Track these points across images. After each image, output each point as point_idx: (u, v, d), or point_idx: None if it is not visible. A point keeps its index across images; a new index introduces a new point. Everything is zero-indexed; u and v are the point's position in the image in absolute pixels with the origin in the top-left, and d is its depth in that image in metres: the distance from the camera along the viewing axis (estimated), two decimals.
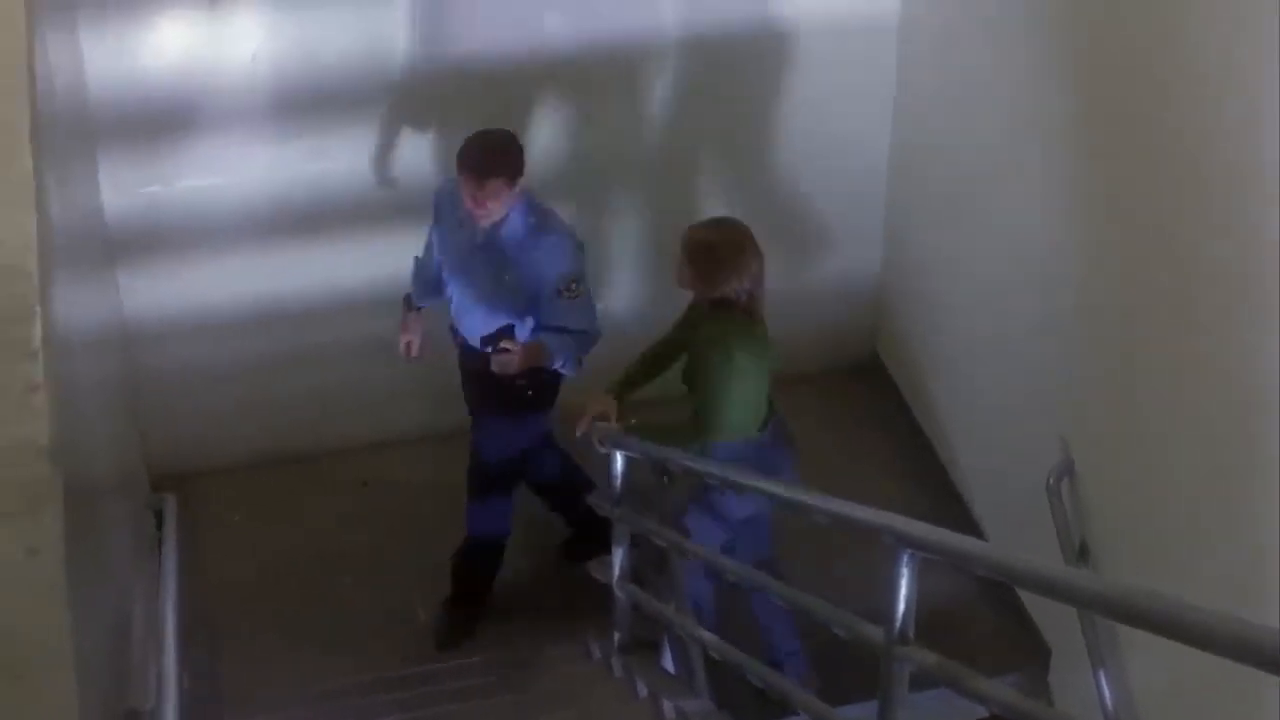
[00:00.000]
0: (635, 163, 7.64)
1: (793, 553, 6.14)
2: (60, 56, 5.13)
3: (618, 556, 6.01)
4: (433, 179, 6.96)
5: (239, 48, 6.85)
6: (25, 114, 3.07)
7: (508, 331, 6.01)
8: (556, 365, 5.97)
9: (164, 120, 6.96)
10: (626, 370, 5.98)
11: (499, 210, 5.77)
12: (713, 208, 7.53)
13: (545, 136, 7.38)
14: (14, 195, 2.91)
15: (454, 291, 6.19)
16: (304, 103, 7.07)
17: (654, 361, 6.04)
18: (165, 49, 6.78)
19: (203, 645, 6.42)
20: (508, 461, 6.49)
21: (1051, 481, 6.00)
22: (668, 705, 5.59)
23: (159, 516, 5.55)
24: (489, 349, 5.92)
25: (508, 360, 5.82)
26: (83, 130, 6.30)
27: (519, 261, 5.89)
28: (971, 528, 7.19)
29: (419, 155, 7.28)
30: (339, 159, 7.21)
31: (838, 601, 4.32)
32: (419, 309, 6.45)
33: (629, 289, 7.93)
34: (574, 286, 5.93)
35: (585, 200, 7.54)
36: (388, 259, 7.00)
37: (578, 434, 5.84)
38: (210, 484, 7.54)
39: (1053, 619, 6.45)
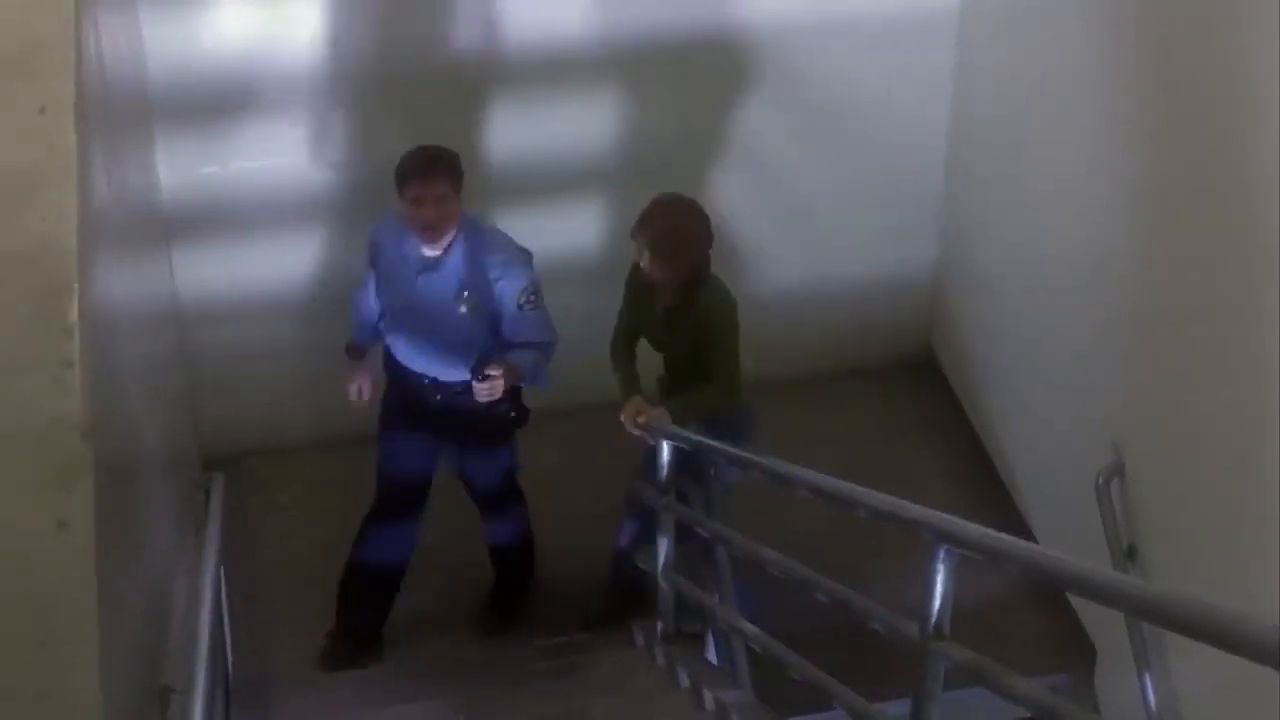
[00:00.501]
0: (689, 155, 7.61)
1: (830, 549, 6.06)
2: (116, 36, 5.17)
3: (663, 546, 5.99)
4: (487, 161, 7.09)
5: (298, 30, 6.90)
6: (70, 93, 3.09)
7: (478, 361, 5.77)
8: (531, 382, 5.92)
9: (222, 101, 7.01)
10: (622, 374, 6.04)
11: (450, 223, 5.65)
12: (767, 200, 7.57)
13: (602, 127, 7.41)
14: (57, 173, 2.94)
15: (403, 332, 5.99)
16: (361, 85, 7.11)
17: (632, 360, 6.12)
18: (225, 30, 6.83)
19: (251, 625, 6.46)
20: (512, 475, 6.49)
21: (1101, 482, 5.95)
22: (708, 696, 5.59)
23: (209, 496, 5.58)
24: (474, 378, 5.64)
25: (494, 386, 5.63)
26: (140, 110, 6.35)
27: (475, 283, 5.75)
28: (1020, 526, 7.16)
29: (470, 139, 7.29)
30: (395, 142, 7.21)
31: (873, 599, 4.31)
32: (363, 352, 6.23)
33: None
34: (534, 298, 5.83)
35: (636, 190, 7.51)
36: None
37: (634, 429, 5.79)
38: (262, 465, 7.59)
39: (1099, 621, 6.41)
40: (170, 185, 6.95)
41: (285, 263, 7.26)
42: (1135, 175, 5.85)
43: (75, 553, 2.36)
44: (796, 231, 7.88)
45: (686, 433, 5.72)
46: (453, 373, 5.86)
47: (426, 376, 5.97)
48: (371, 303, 6.05)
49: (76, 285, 2.70)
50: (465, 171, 5.71)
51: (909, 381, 8.27)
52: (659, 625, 6.20)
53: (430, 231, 5.60)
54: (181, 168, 7.01)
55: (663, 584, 6.05)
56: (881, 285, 8.07)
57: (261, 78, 6.97)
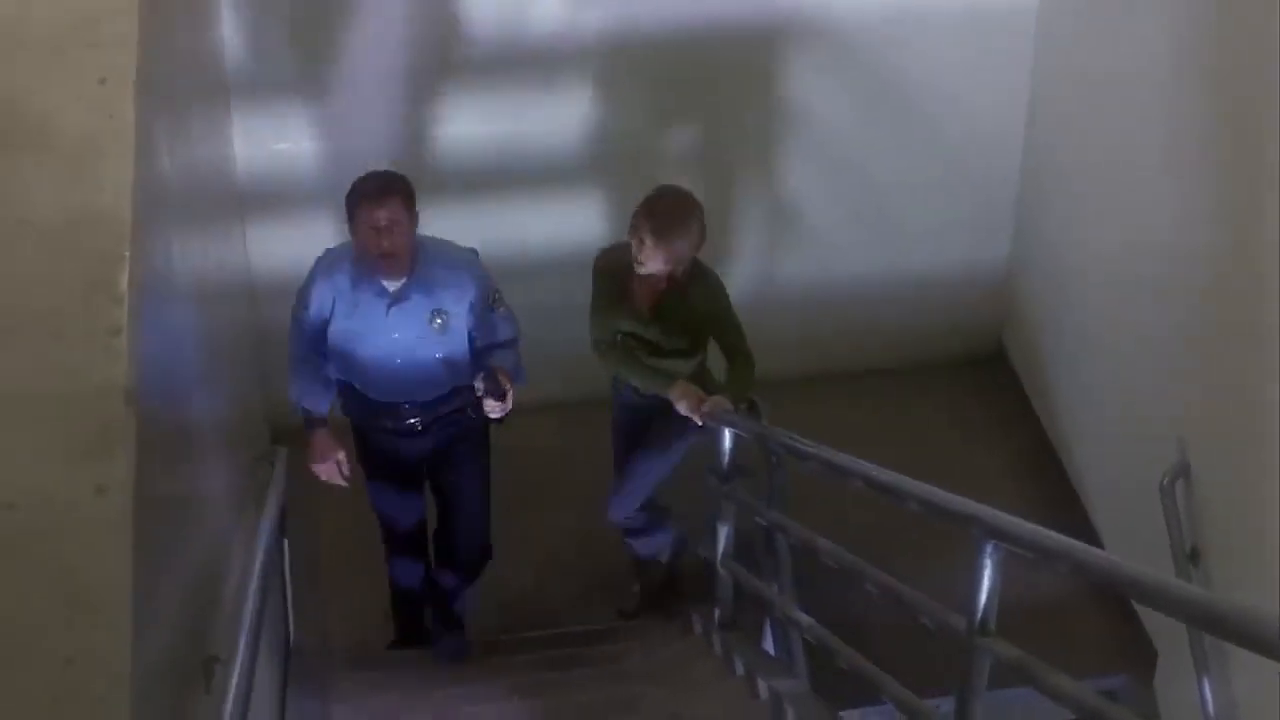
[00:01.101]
0: (761, 142, 7.62)
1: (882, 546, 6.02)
2: (189, 11, 5.22)
3: (723, 534, 5.99)
4: (596, 141, 7.32)
5: (373, 9, 6.95)
6: (131, 64, 3.12)
7: (468, 382, 5.67)
8: (516, 380, 5.70)
9: (299, 78, 7.07)
10: (643, 369, 5.88)
11: (409, 249, 5.38)
12: (838, 189, 7.55)
13: (682, 110, 7.44)
14: (115, 143, 2.97)
15: (374, 370, 5.68)
16: (435, 66, 7.15)
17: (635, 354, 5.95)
18: (301, 11, 6.90)
19: (314, 598, 6.52)
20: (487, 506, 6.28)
21: (1165, 482, 5.89)
22: (762, 684, 5.59)
23: (274, 469, 5.63)
24: (485, 393, 5.46)
25: (507, 400, 5.49)
26: (214, 85, 6.40)
27: (444, 298, 5.54)
28: (1086, 526, 7.12)
29: (537, 124, 7.35)
30: (467, 122, 7.28)
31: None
32: (325, 420, 5.84)
33: (754, 255, 7.94)
34: (499, 295, 5.71)
35: (711, 173, 7.55)
36: (514, 223, 7.11)
37: (700, 416, 5.69)
38: None
39: (1161, 624, 6.35)
40: (245, 159, 7.01)
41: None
42: (1209, 173, 5.79)
43: (112, 517, 2.38)
44: (867, 222, 7.85)
45: (737, 417, 5.74)
46: (431, 390, 5.75)
47: (405, 403, 5.78)
48: (316, 359, 5.72)
49: (128, 254, 2.73)
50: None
51: (978, 377, 8.21)
52: (716, 613, 6.20)
53: (391, 260, 5.35)
54: (257, 142, 7.07)
55: (721, 572, 6.06)
56: (953, 279, 8.03)
57: (336, 58, 7.02)
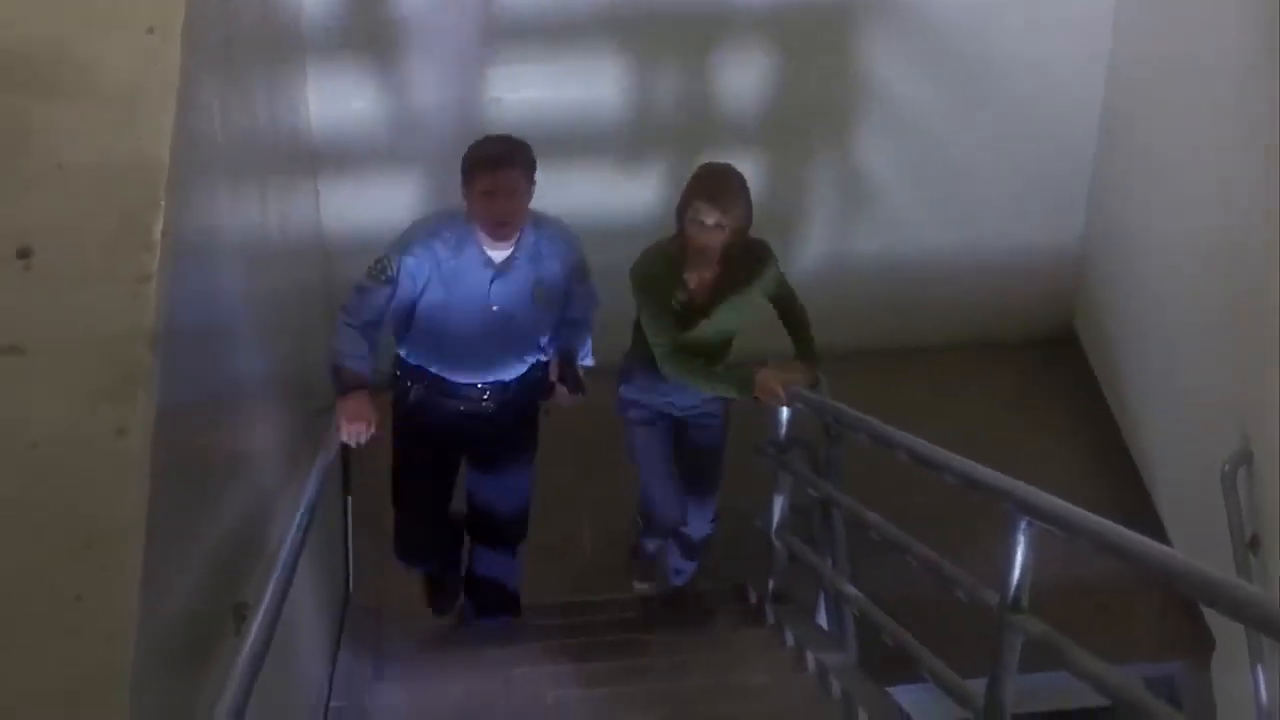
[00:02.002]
0: (835, 112, 7.62)
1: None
2: None
3: (777, 505, 6.00)
4: (667, 108, 7.38)
5: None
6: (180, 14, 3.13)
7: (533, 365, 5.59)
8: (585, 360, 5.73)
9: (374, 38, 7.12)
10: (710, 371, 5.57)
11: (522, 218, 5.20)
12: (911, 163, 7.52)
13: (752, 83, 7.41)
14: (158, 92, 2.99)
15: (465, 350, 5.44)
16: (509, 29, 7.17)
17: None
18: None
19: (374, 556, 6.56)
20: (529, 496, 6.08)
21: (1227, 469, 5.85)
22: (810, 657, 5.59)
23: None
24: (560, 380, 5.45)
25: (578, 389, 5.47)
26: (286, 42, 6.44)
27: (546, 269, 5.38)
28: (1149, 510, 7.08)
29: (636, 87, 7.39)
30: (539, 87, 7.30)
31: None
32: (365, 384, 5.27)
33: (825, 228, 7.95)
34: (586, 267, 5.59)
35: (783, 144, 7.54)
36: (582, 188, 7.13)
37: (784, 398, 5.54)
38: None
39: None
40: (320, 118, 7.06)
41: (428, 201, 7.33)
42: None
43: (130, 459, 2.41)
44: (940, 198, 7.84)
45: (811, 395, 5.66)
46: (513, 369, 5.56)
47: (481, 384, 5.55)
48: (374, 333, 5.33)
49: (164, 203, 2.75)
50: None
51: (1048, 357, 8.17)
52: (770, 584, 6.21)
53: (504, 227, 5.16)
54: (332, 101, 7.12)
55: (775, 543, 6.06)
56: (1025, 257, 8.00)
57: (410, 19, 7.07)
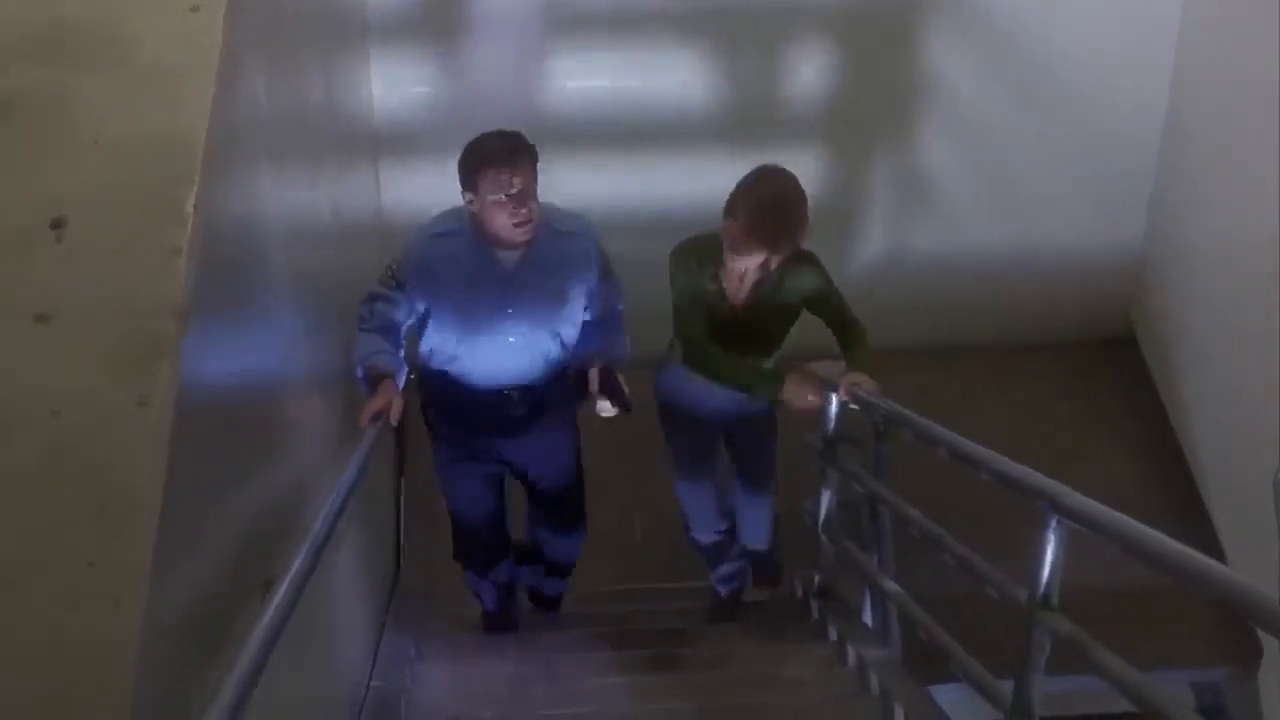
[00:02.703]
0: (896, 108, 7.60)
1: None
2: None
3: (825, 500, 5.98)
4: (725, 100, 7.35)
5: None
6: None
7: (561, 364, 5.24)
8: (623, 355, 5.30)
9: (438, 22, 7.16)
10: (753, 369, 5.35)
11: (537, 211, 4.75)
12: (972, 159, 7.49)
13: (813, 77, 7.41)
14: (199, 69, 3.03)
15: (485, 356, 5.10)
16: (570, 18, 7.20)
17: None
18: None
19: (425, 540, 6.60)
20: (581, 472, 5.81)
21: (1278, 477, 5.78)
22: (851, 651, 5.59)
23: None
24: (600, 391, 5.01)
25: (623, 399, 5.03)
26: (348, 25, 6.50)
27: (561, 264, 5.00)
28: (1202, 515, 7.03)
29: (693, 78, 7.40)
30: (597, 76, 7.33)
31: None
32: (392, 374, 4.90)
33: (883, 222, 7.95)
34: (608, 263, 5.22)
35: (842, 137, 7.54)
36: (636, 178, 7.14)
37: (845, 396, 5.28)
38: None
39: None
40: (383, 101, 7.12)
41: None
42: None
43: (150, 429, 2.43)
44: (1000, 196, 7.82)
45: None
46: (542, 371, 5.22)
47: (510, 388, 5.22)
48: (394, 335, 5.02)
49: (198, 178, 2.79)
50: None
51: (1105, 359, 8.12)
52: (816, 579, 6.21)
53: (524, 229, 4.73)
54: (395, 85, 7.18)
55: (822, 538, 6.05)
56: (1084, 257, 7.96)
57: (477, 2, 7.11)
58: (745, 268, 5.05)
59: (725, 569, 6.22)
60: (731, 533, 6.06)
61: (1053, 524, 3.57)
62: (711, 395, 5.48)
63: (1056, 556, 3.61)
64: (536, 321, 5.05)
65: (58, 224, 2.69)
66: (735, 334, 5.27)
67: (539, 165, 4.72)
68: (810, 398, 5.31)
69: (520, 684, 5.57)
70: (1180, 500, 7.15)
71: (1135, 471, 7.33)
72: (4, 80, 2.95)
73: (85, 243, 2.67)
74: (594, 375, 5.03)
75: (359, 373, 4.87)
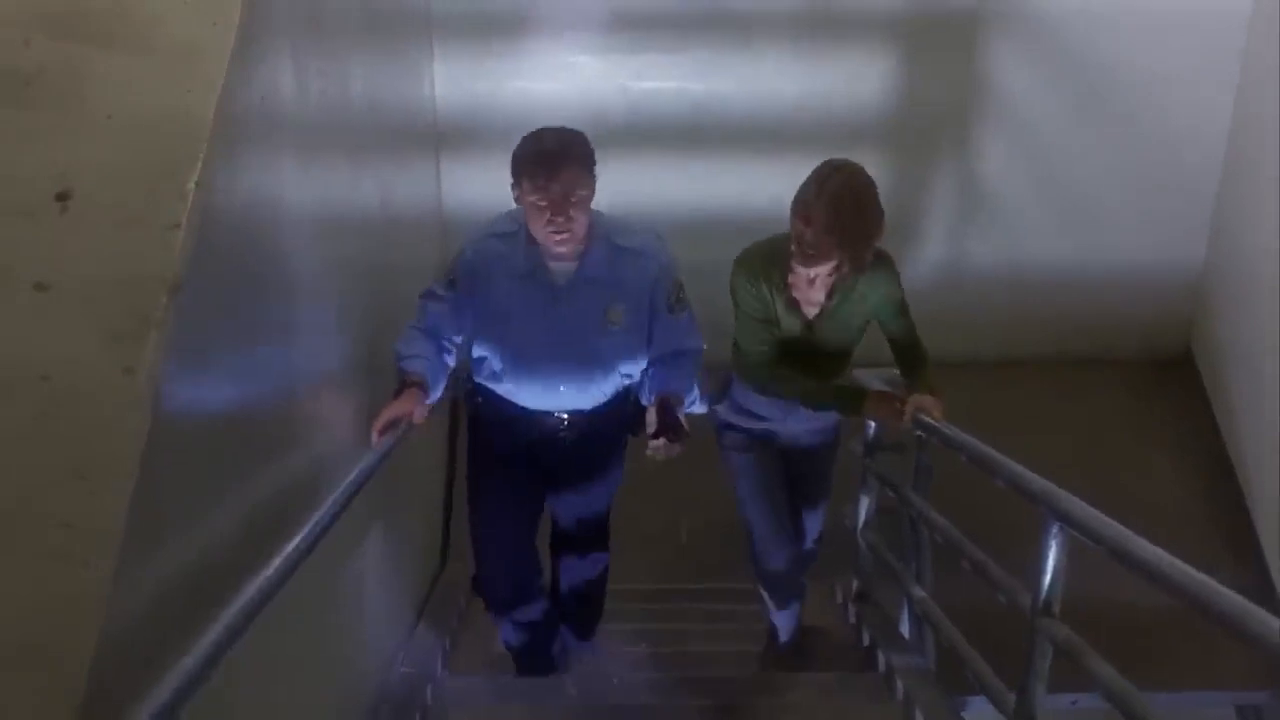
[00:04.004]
0: (960, 118, 7.59)
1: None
2: None
3: (863, 505, 5.99)
4: (789, 105, 7.35)
5: None
6: None
7: (617, 395, 4.87)
8: (694, 405, 4.76)
9: (502, 21, 7.22)
10: (821, 388, 4.95)
11: (584, 221, 4.37)
12: (1034, 172, 7.47)
13: (876, 84, 7.42)
14: (214, 48, 3.08)
15: (530, 372, 4.73)
16: (634, 19, 7.24)
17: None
18: None
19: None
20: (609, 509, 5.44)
21: None
22: (881, 657, 5.59)
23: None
24: (657, 430, 4.38)
25: (676, 440, 4.38)
26: (408, 18, 6.56)
27: (619, 285, 4.56)
28: (1251, 542, 6.96)
29: (757, 83, 7.43)
30: (665, 77, 7.37)
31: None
32: (422, 386, 4.50)
33: (942, 234, 7.95)
34: (681, 294, 4.70)
35: (903, 147, 7.54)
36: (700, 180, 7.15)
37: (906, 421, 4.85)
38: None
39: None
40: (445, 98, 7.18)
41: None
42: None
43: (135, 397, 2.49)
44: (1061, 211, 7.80)
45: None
46: (592, 399, 4.84)
47: (557, 413, 4.87)
48: (442, 330, 4.66)
49: (203, 156, 2.84)
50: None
51: (1162, 378, 8.07)
52: (854, 584, 6.21)
53: (566, 241, 4.38)
54: (457, 82, 7.25)
55: (860, 543, 6.05)
56: (1143, 274, 7.92)
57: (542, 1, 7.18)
58: (817, 274, 4.61)
59: (787, 615, 5.77)
60: (799, 562, 5.61)
61: (1054, 530, 3.58)
62: (779, 415, 5.17)
63: (1059, 563, 3.62)
64: (587, 342, 4.63)
65: (63, 196, 2.76)
66: (805, 349, 4.92)
67: (595, 170, 4.35)
68: (898, 415, 4.85)
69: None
70: (1230, 522, 7.08)
71: (1187, 491, 7.27)
72: (24, 55, 3.01)
73: (88, 215, 2.73)
74: (651, 414, 4.46)
75: (398, 364, 4.54)
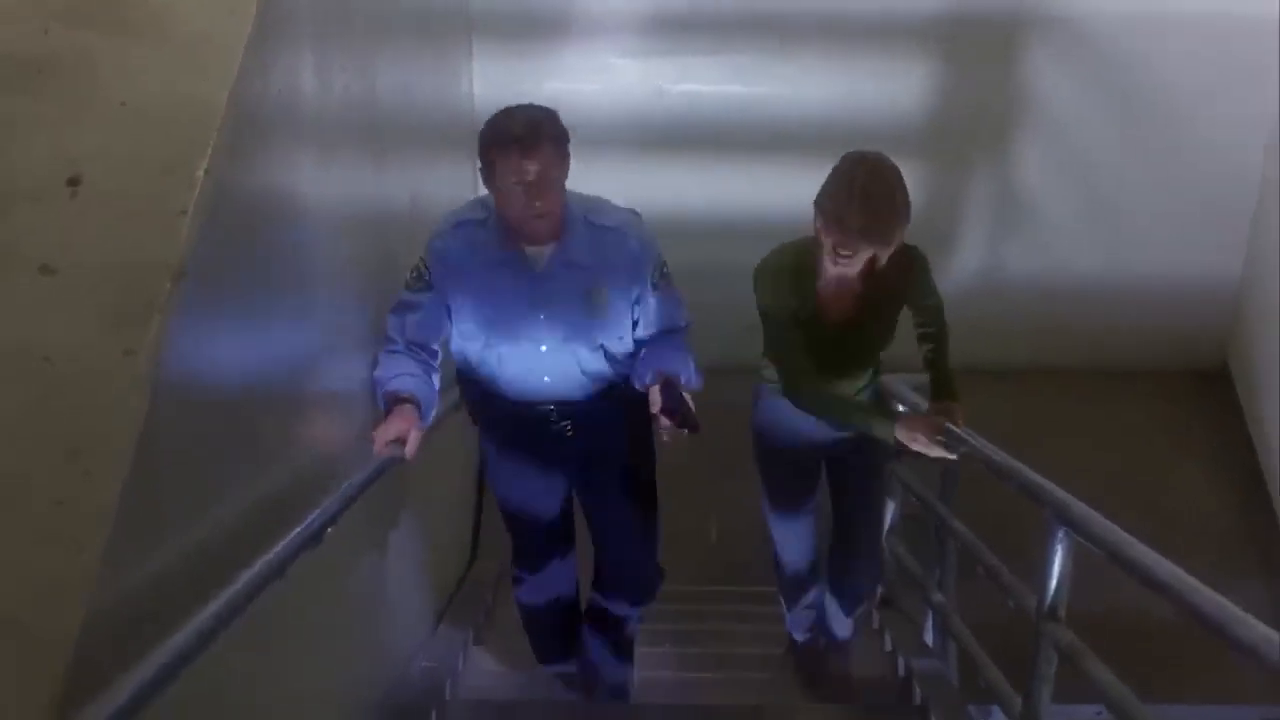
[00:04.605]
0: (997, 125, 7.60)
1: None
2: None
3: (889, 510, 5.99)
4: (827, 110, 7.32)
5: None
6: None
7: (609, 381, 4.56)
8: (691, 382, 4.37)
9: (542, 22, 7.26)
10: (854, 406, 4.70)
11: (561, 200, 4.13)
12: (1071, 181, 7.46)
13: (914, 91, 7.43)
14: (229, 38, 3.12)
15: (515, 367, 4.47)
16: (673, 23, 7.26)
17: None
18: None
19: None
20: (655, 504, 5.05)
21: None
22: (901, 661, 5.60)
23: None
24: (662, 410, 4.13)
25: (681, 420, 4.12)
26: (445, 18, 6.59)
27: (600, 268, 4.29)
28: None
29: (795, 88, 7.44)
30: (704, 80, 7.40)
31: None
32: (411, 400, 4.29)
33: (978, 242, 7.95)
34: (665, 269, 4.44)
35: (940, 154, 7.54)
36: (732, 186, 7.16)
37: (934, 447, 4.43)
38: None
39: None
40: (483, 99, 7.22)
41: (586, 190, 7.46)
42: None
43: (134, 379, 2.51)
44: (1098, 221, 7.77)
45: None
46: (583, 388, 4.56)
47: (547, 404, 4.59)
48: (424, 356, 4.43)
49: (212, 144, 2.88)
50: None
51: (1197, 391, 8.04)
52: (879, 589, 6.22)
53: (542, 222, 4.11)
54: (496, 83, 7.27)
55: (885, 548, 6.05)
56: (1181, 287, 7.89)
57: (581, 3, 7.21)
58: (849, 272, 4.38)
59: (802, 612, 5.59)
60: (816, 568, 5.42)
61: (1059, 534, 3.58)
62: (816, 426, 4.82)
63: (1064, 568, 3.62)
64: (571, 327, 4.36)
65: (73, 181, 2.79)
66: (836, 353, 4.63)
67: (568, 148, 4.11)
68: (928, 442, 4.41)
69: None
70: (1263, 535, 7.05)
71: (1219, 503, 7.25)
72: (42, 44, 3.06)
73: (97, 200, 2.77)
74: (654, 394, 4.19)
75: (379, 401, 4.31)
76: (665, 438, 4.19)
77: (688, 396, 4.19)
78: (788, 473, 5.14)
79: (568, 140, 4.09)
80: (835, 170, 4.27)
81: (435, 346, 4.45)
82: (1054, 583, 3.65)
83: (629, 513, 4.92)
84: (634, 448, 4.82)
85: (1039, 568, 3.72)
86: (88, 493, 2.41)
